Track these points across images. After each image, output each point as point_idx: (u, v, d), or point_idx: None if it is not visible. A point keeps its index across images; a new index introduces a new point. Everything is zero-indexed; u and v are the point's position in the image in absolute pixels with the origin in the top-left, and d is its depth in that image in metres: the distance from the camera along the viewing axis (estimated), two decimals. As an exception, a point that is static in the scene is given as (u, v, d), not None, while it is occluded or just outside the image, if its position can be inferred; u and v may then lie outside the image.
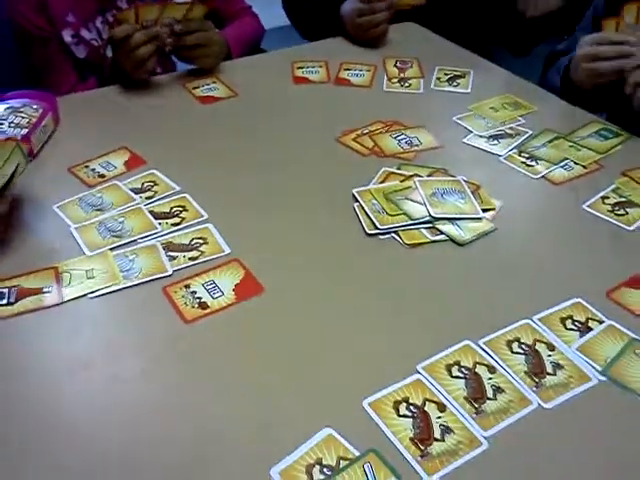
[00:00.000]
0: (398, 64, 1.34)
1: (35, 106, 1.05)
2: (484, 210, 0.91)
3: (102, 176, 1.00)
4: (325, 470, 0.60)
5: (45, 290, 0.79)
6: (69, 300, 0.77)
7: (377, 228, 0.88)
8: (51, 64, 1.30)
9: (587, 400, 0.67)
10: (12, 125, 1.01)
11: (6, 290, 0.78)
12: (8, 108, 1.04)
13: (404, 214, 0.90)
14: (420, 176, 0.97)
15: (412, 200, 0.92)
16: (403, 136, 1.09)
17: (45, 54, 1.29)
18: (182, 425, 0.65)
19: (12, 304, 0.77)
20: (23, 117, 1.02)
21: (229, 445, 0.63)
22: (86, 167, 1.01)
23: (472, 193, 0.94)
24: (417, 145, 1.07)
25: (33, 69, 1.32)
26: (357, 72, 1.31)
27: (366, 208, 0.91)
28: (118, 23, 1.17)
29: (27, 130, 1.01)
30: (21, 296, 0.78)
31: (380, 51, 1.40)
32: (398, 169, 1.00)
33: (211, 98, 1.22)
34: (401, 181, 0.97)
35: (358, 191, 0.94)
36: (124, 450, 0.62)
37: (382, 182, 0.97)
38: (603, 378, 0.69)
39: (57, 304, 0.77)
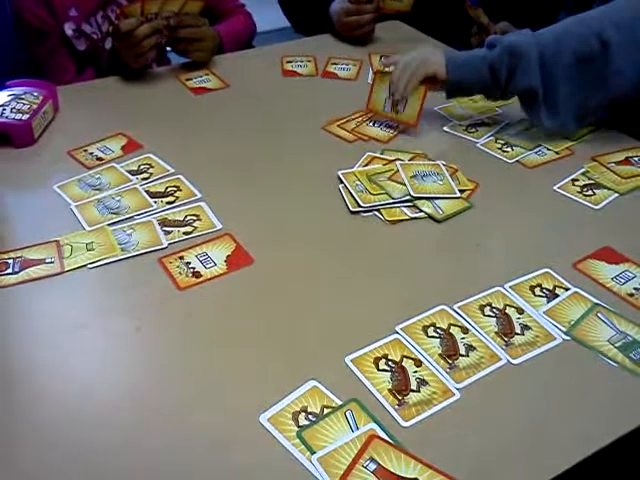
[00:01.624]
0: (383, 59, 1.39)
1: (36, 93, 1.10)
2: (461, 191, 0.97)
3: (100, 159, 1.04)
4: (310, 417, 0.65)
5: (47, 261, 0.83)
6: (70, 270, 0.82)
7: (360, 206, 0.93)
8: (52, 57, 1.35)
9: (552, 357, 0.72)
10: (14, 110, 1.05)
11: (11, 261, 0.83)
12: (10, 95, 1.09)
13: (385, 194, 0.95)
14: (402, 160, 1.03)
15: (393, 181, 0.97)
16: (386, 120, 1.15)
17: (47, 47, 1.33)
18: (174, 378, 0.70)
19: (16, 273, 0.81)
20: (24, 103, 1.07)
21: (220, 395, 0.68)
22: (85, 151, 1.06)
23: (450, 175, 0.99)
24: (397, 127, 1.14)
25: (34, 61, 1.36)
26: (344, 66, 1.37)
27: (350, 188, 0.96)
28: (124, 16, 1.22)
29: (28, 115, 1.06)
30: (25, 266, 0.83)
31: (366, 48, 1.46)
32: (381, 154, 1.06)
33: (203, 89, 1.27)
34: (384, 164, 1.02)
35: (343, 173, 1.00)
36: (117, 399, 0.67)
37: (366, 165, 1.03)
38: (567, 338, 0.74)
39: (58, 273, 0.82)
